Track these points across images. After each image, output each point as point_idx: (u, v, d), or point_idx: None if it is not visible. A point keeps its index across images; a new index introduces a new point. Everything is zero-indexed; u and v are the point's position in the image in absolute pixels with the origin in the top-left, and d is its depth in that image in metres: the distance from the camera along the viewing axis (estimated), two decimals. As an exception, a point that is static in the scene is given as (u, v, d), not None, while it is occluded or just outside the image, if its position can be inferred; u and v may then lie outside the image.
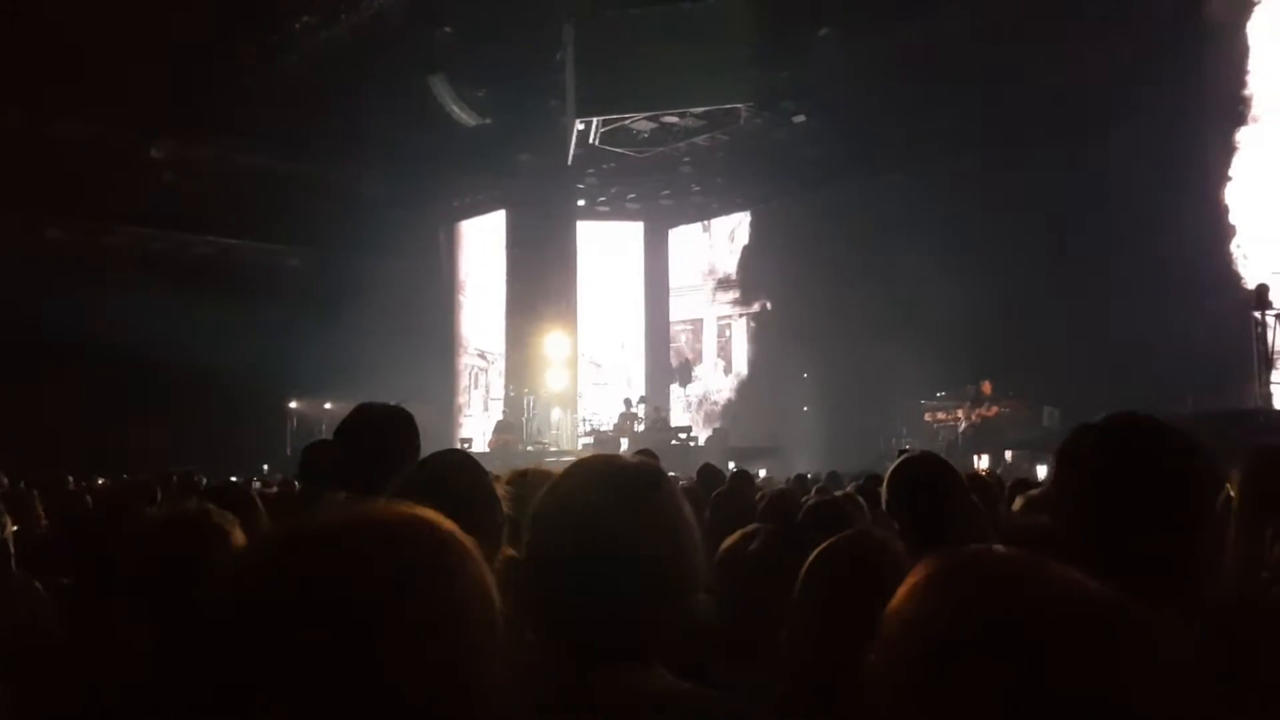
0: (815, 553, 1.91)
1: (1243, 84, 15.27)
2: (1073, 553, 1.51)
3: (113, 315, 18.30)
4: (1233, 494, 2.57)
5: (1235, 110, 15.28)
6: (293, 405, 22.25)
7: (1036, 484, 4.59)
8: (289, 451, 20.08)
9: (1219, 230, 15.25)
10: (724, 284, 24.63)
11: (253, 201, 21.31)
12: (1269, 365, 12.60)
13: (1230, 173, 15.32)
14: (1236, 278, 14.83)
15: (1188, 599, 1.52)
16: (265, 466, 17.97)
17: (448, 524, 0.95)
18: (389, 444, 2.76)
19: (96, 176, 19.34)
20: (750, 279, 24.08)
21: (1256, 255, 14.74)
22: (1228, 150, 15.34)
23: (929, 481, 3.05)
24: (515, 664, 0.96)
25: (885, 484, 3.13)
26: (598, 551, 1.44)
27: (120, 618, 2.28)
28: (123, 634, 2.23)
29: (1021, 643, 0.86)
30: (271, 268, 22.93)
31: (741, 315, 24.18)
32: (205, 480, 7.69)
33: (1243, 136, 15.25)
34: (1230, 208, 15.29)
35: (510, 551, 2.04)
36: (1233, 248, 15.17)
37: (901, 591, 0.96)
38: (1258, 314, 12.62)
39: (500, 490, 2.22)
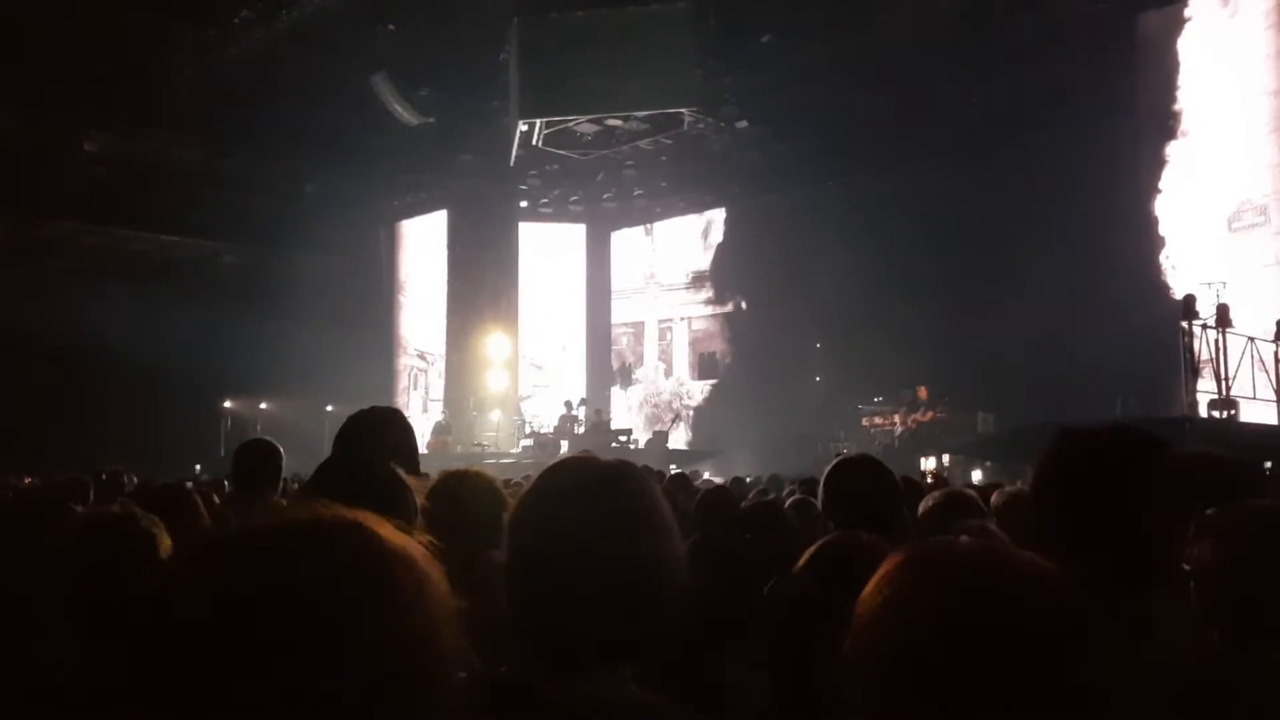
0: (808, 553, 1.92)
1: (1173, 99, 15.62)
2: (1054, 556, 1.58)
3: (43, 310, 17.90)
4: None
5: (1165, 124, 15.63)
6: (227, 404, 21.91)
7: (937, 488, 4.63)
8: (222, 452, 19.75)
9: (1149, 241, 15.58)
10: (667, 287, 24.66)
11: (189, 197, 20.96)
12: (1195, 374, 12.87)
13: (1160, 185, 15.66)
14: (1165, 288, 15.16)
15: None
16: (198, 467, 17.67)
17: (386, 531, 0.91)
18: (380, 448, 2.74)
19: (28, 169, 18.90)
20: (696, 282, 24.15)
21: (1184, 266, 15.08)
22: (1158, 163, 15.68)
23: (865, 484, 3.07)
24: (457, 679, 0.93)
25: (822, 486, 3.14)
26: (571, 554, 1.42)
27: (43, 623, 2.22)
28: (45, 640, 2.17)
29: (991, 631, 0.87)
30: (207, 264, 22.56)
31: (684, 319, 24.24)
32: (135, 480, 7.53)
33: (1172, 150, 15.60)
34: (1160, 219, 15.64)
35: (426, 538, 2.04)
36: (1162, 258, 15.51)
37: (873, 583, 0.96)
38: (1185, 324, 12.88)
39: (417, 485, 2.21)
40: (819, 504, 3.17)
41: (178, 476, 10.05)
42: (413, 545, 0.92)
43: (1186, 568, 1.79)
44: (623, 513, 1.46)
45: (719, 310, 23.49)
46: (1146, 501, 1.67)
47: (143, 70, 17.49)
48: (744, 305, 22.28)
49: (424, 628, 0.87)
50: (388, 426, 2.92)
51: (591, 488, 1.49)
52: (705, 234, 23.65)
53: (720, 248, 23.32)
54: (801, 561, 1.90)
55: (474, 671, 1.78)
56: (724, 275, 23.25)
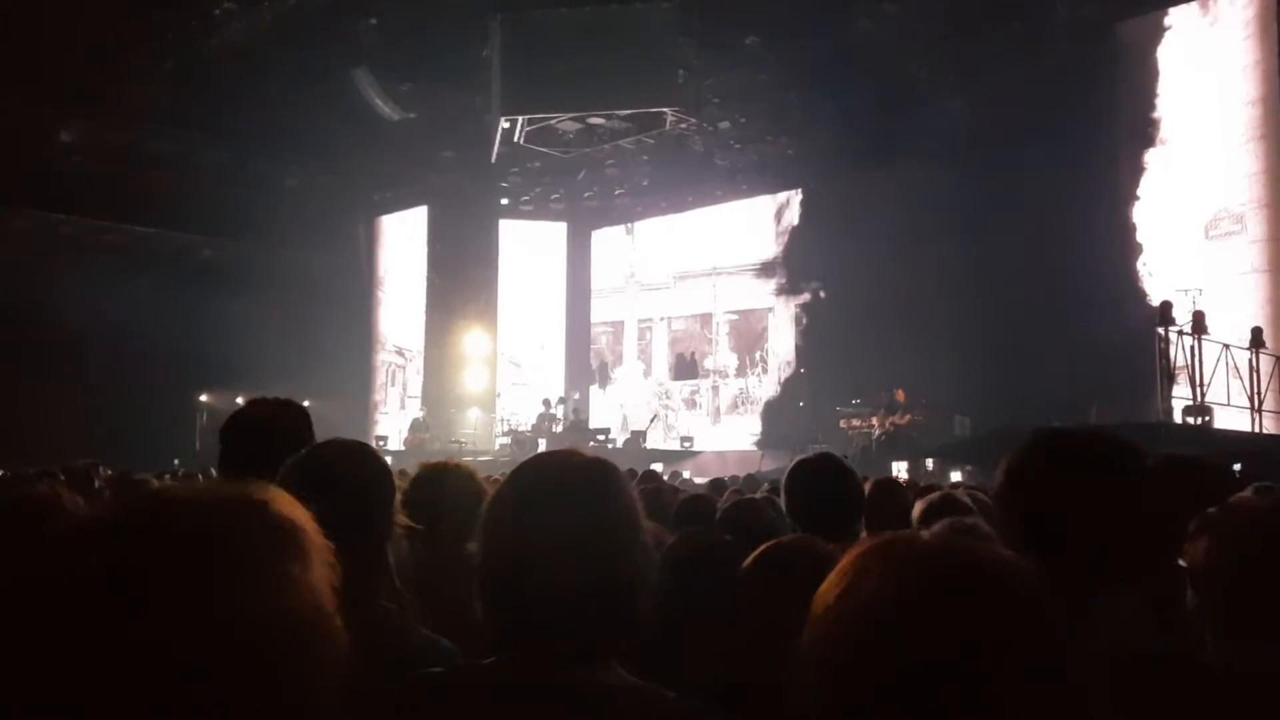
0: (756, 553, 1.92)
1: (1152, 107, 15.74)
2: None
3: (15, 301, 17.74)
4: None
5: (1144, 132, 15.74)
6: (203, 399, 21.77)
7: (934, 488, 4.67)
8: (198, 446, 19.64)
9: (1126, 247, 15.69)
10: (647, 286, 24.63)
11: (167, 189, 20.78)
12: (1171, 380, 12.98)
13: (1138, 192, 15.77)
14: (1142, 294, 15.27)
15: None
16: (176, 461, 17.56)
17: (277, 509, 0.89)
18: (279, 440, 2.64)
19: (3, 158, 18.70)
20: (663, 282, 24.18)
21: (1161, 273, 15.20)
22: (1136, 170, 15.79)
23: (825, 485, 3.08)
24: (342, 666, 0.90)
25: (783, 486, 3.15)
26: (554, 554, 1.41)
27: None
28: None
29: (948, 621, 0.86)
30: (185, 257, 22.39)
31: (663, 319, 24.24)
32: (107, 473, 7.47)
33: (1151, 157, 15.72)
34: (1138, 226, 15.74)
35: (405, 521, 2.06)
36: (1139, 265, 15.63)
37: (831, 576, 0.95)
38: (1161, 330, 12.99)
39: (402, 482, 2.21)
40: (783, 505, 3.18)
41: (155, 470, 9.99)
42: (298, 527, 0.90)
43: (1182, 563, 1.82)
44: (602, 511, 1.46)
45: (699, 311, 23.51)
46: (1107, 503, 1.71)
47: (122, 60, 17.34)
48: (819, 296, 21.62)
49: (300, 615, 0.85)
50: (282, 419, 2.77)
51: (571, 485, 1.49)
52: (779, 216, 22.41)
53: (702, 246, 23.32)
54: (746, 564, 1.90)
55: (457, 662, 1.79)
56: (700, 273, 23.28)
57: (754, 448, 20.09)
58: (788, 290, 21.55)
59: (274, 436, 2.63)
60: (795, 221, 21.44)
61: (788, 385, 21.05)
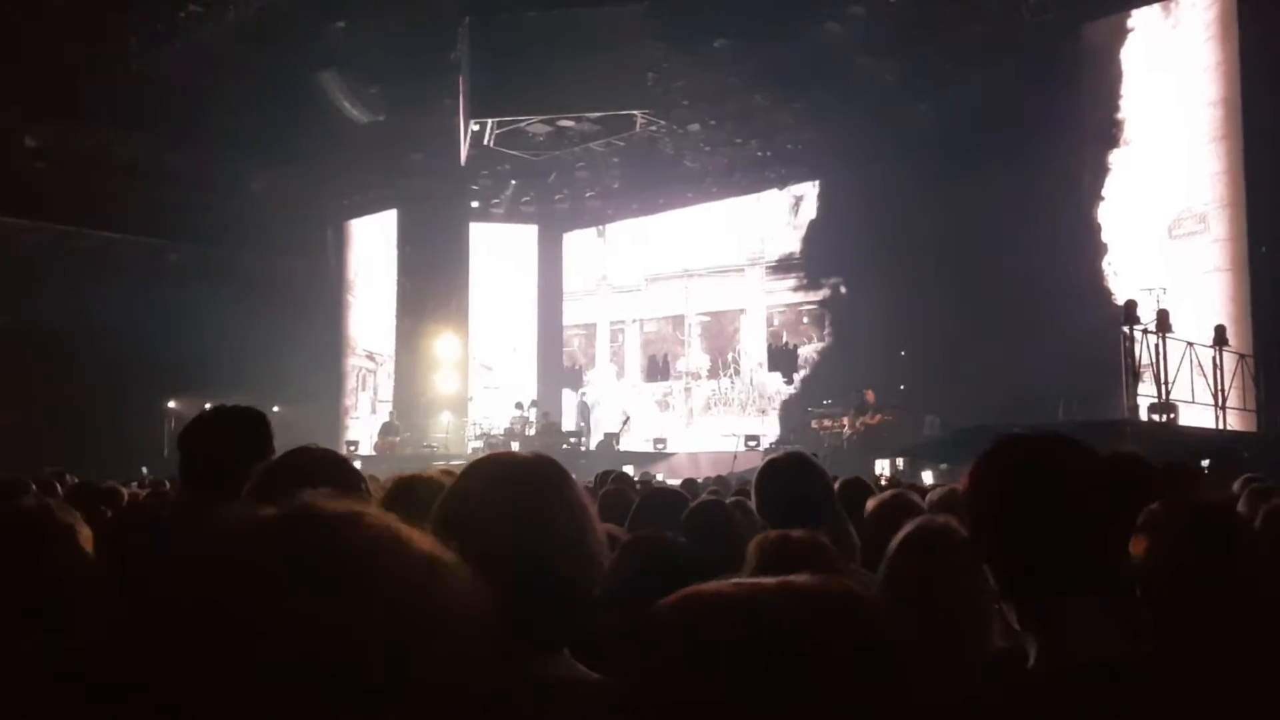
0: (770, 550, 1.93)
1: (1116, 108, 15.91)
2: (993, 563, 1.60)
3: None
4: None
5: (1109, 133, 15.91)
6: (171, 405, 21.57)
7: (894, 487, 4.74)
8: (166, 453, 19.46)
9: (1091, 247, 15.86)
10: (619, 289, 24.64)
11: (132, 193, 20.60)
12: (1136, 378, 13.12)
13: (1103, 192, 15.94)
14: (1107, 293, 15.43)
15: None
16: (145, 469, 17.40)
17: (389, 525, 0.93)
18: (238, 449, 2.63)
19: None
20: (635, 284, 24.21)
21: (1126, 272, 15.36)
22: (1100, 170, 15.96)
23: (795, 483, 3.11)
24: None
25: (754, 485, 3.20)
26: (504, 554, 1.42)
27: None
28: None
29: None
30: (151, 262, 22.18)
31: (635, 321, 24.26)
32: (74, 481, 7.39)
33: (1115, 158, 15.89)
34: (1102, 226, 15.91)
35: None
36: (1104, 264, 15.79)
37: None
38: (1126, 329, 13.13)
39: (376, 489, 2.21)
40: (753, 504, 3.22)
41: (122, 478, 9.89)
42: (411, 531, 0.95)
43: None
44: (551, 508, 1.49)
45: (670, 313, 23.55)
46: (1067, 506, 1.68)
47: (86, 64, 17.19)
48: (841, 290, 21.30)
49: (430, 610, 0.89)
50: (242, 428, 2.75)
51: (519, 484, 1.52)
52: (749, 218, 22.09)
53: (673, 248, 23.35)
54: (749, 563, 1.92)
55: None
56: (671, 275, 23.32)
57: (741, 448, 20.10)
58: (762, 291, 21.63)
59: (233, 444, 2.63)
60: (766, 223, 21.52)
61: (806, 383, 20.91)
